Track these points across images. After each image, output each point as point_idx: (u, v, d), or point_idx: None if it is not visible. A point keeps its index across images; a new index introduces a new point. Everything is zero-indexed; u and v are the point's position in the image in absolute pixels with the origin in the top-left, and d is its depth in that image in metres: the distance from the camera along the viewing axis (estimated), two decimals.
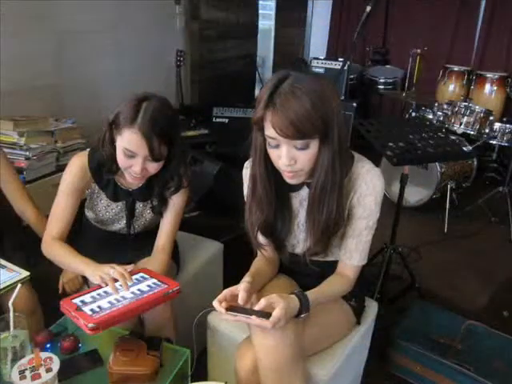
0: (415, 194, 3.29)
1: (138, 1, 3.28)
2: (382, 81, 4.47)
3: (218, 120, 3.69)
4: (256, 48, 5.12)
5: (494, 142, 3.43)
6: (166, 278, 1.33)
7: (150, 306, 1.21)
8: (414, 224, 3.11)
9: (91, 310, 1.14)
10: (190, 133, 3.37)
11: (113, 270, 1.25)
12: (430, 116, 3.64)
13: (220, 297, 1.09)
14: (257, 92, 5.12)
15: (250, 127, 1.13)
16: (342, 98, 4.01)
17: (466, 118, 3.37)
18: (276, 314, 1.03)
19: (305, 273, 1.34)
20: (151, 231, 1.55)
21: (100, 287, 1.25)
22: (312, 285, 1.20)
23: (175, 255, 1.63)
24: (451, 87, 4.09)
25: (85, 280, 1.56)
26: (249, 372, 1.17)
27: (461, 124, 3.38)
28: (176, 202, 1.48)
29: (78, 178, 1.41)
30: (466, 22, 4.39)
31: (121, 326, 1.24)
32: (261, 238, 1.28)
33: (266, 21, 5.82)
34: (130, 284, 1.24)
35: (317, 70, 4.06)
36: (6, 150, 1.95)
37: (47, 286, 1.55)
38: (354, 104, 4.03)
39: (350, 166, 1.18)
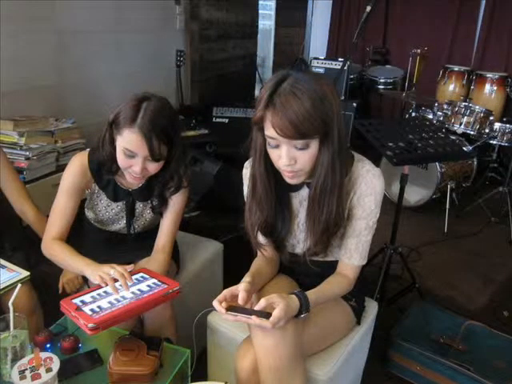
0: (415, 194, 3.29)
1: (138, 1, 3.28)
2: (382, 81, 4.46)
3: (218, 120, 3.70)
4: (256, 48, 5.12)
5: (494, 142, 3.43)
6: (166, 278, 1.33)
7: (150, 306, 1.22)
8: (414, 224, 3.11)
9: (91, 309, 1.14)
10: (190, 133, 3.37)
11: (113, 270, 1.25)
12: (430, 116, 3.63)
13: (220, 297, 1.09)
14: (257, 92, 5.13)
15: (249, 127, 1.13)
16: (342, 98, 4.01)
17: (465, 117, 3.37)
18: (276, 314, 1.03)
19: (305, 273, 1.34)
20: (151, 231, 1.55)
21: (100, 287, 1.25)
22: (312, 285, 1.20)
23: (175, 255, 1.62)
24: (451, 87, 4.10)
25: (85, 280, 1.56)
26: (249, 372, 1.17)
27: (461, 124, 3.38)
28: (176, 202, 1.48)
29: (78, 178, 1.41)
30: (466, 22, 4.39)
31: (121, 326, 1.23)
32: (261, 238, 1.28)
33: (266, 21, 5.83)
34: (129, 284, 1.24)
35: (317, 69, 4.05)
36: (6, 149, 1.96)
37: (47, 286, 1.55)
38: (354, 104, 4.04)
39: (349, 166, 1.18)
